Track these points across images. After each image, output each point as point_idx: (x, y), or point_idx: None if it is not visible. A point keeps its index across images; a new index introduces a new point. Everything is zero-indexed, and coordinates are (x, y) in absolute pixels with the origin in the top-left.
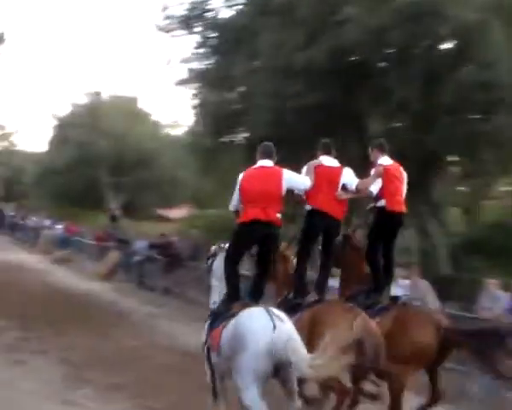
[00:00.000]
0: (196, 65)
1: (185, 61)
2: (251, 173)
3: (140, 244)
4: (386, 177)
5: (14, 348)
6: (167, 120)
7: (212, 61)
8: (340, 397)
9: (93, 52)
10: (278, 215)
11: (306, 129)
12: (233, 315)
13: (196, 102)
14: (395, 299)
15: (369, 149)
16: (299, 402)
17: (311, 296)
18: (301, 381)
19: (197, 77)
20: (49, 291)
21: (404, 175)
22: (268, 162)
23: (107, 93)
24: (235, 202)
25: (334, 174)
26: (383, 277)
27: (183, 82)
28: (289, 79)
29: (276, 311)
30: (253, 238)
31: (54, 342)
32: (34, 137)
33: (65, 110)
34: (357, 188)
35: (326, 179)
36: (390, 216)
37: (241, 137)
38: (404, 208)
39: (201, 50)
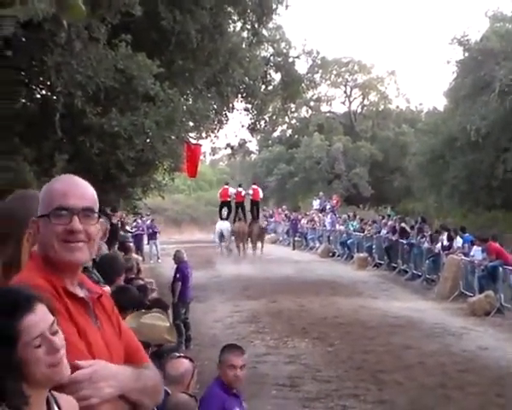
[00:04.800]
0: None
1: None
2: (222, 189)
3: None
4: (252, 191)
5: None
6: None
7: None
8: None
9: None
10: (229, 199)
11: None
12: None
13: None
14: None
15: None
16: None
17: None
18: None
19: None
20: None
21: (259, 190)
22: (226, 185)
23: None
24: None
25: (240, 192)
26: (255, 218)
27: None
28: None
29: (225, 221)
30: (223, 204)
31: None
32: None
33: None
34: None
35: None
36: (253, 201)
37: None
38: (258, 199)
39: None
